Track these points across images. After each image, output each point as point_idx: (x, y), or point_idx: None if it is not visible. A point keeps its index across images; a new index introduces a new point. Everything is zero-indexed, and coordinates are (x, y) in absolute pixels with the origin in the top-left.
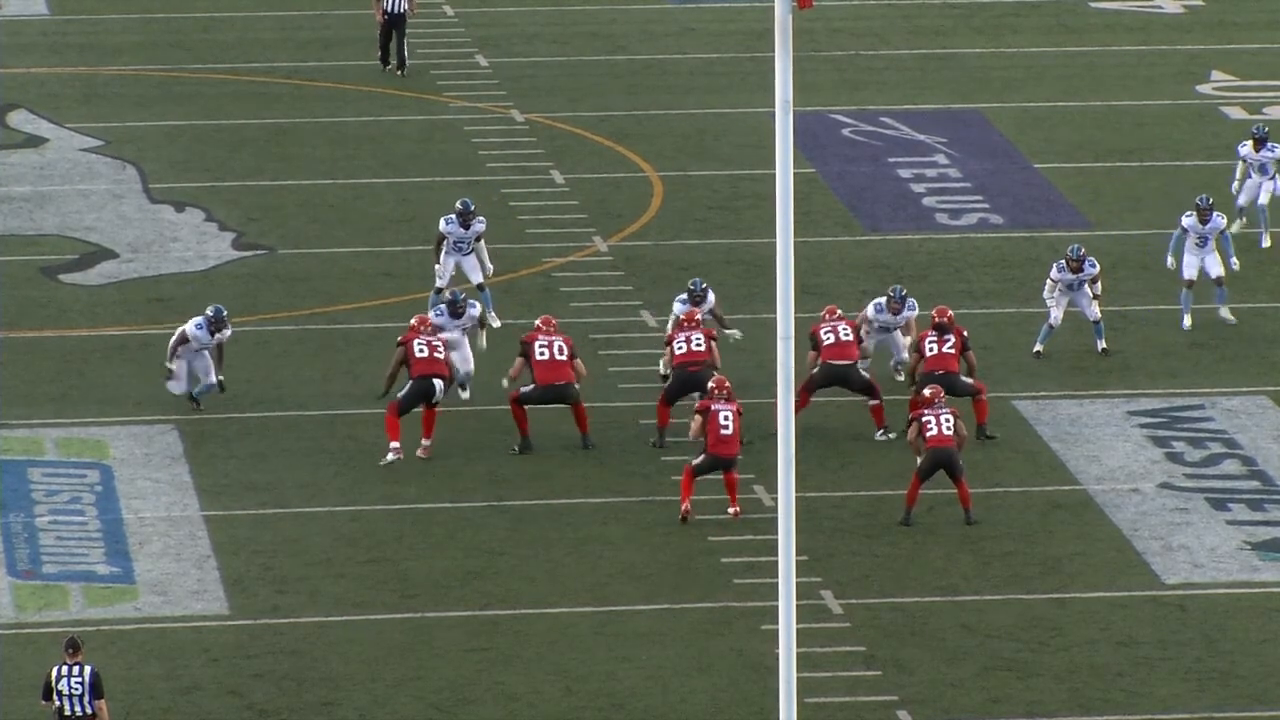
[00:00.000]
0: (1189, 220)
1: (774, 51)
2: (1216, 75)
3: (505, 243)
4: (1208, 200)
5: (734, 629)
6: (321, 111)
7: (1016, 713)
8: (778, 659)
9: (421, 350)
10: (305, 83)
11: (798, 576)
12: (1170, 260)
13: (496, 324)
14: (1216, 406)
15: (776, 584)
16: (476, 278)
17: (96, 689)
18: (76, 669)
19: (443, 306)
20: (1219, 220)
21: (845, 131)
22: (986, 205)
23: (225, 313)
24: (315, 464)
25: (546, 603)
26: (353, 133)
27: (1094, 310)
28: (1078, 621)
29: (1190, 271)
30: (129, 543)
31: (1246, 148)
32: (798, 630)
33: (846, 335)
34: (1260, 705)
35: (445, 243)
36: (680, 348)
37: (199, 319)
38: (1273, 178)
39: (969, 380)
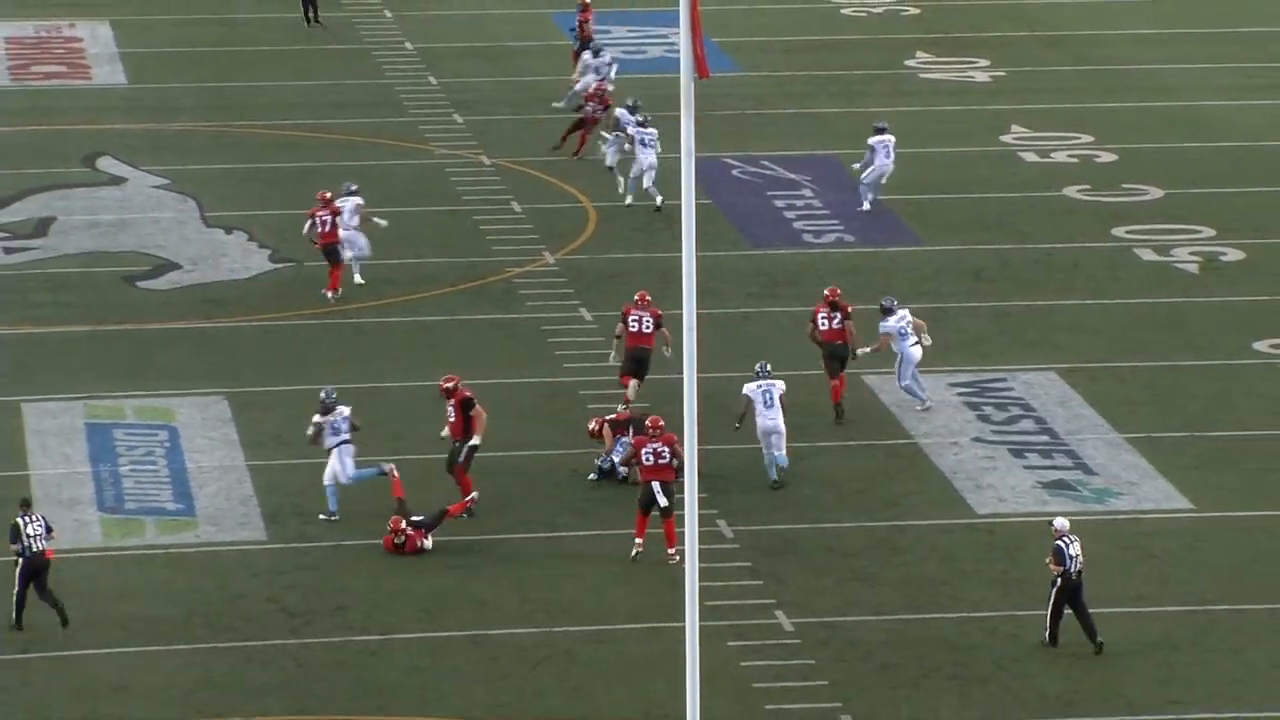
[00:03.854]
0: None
1: (680, 111)
2: (1015, 128)
3: (476, 256)
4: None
5: (651, 550)
6: (336, 157)
7: (866, 612)
8: (684, 572)
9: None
10: (324, 135)
11: (699, 510)
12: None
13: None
14: (1016, 379)
15: (684, 515)
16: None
17: (50, 530)
18: (35, 517)
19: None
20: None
21: (735, 172)
22: (842, 228)
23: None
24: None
25: (507, 530)
26: (360, 173)
27: None
28: (912, 543)
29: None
30: (191, 486)
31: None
32: (699, 550)
33: (649, 326)
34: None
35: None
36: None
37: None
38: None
39: (848, 351)
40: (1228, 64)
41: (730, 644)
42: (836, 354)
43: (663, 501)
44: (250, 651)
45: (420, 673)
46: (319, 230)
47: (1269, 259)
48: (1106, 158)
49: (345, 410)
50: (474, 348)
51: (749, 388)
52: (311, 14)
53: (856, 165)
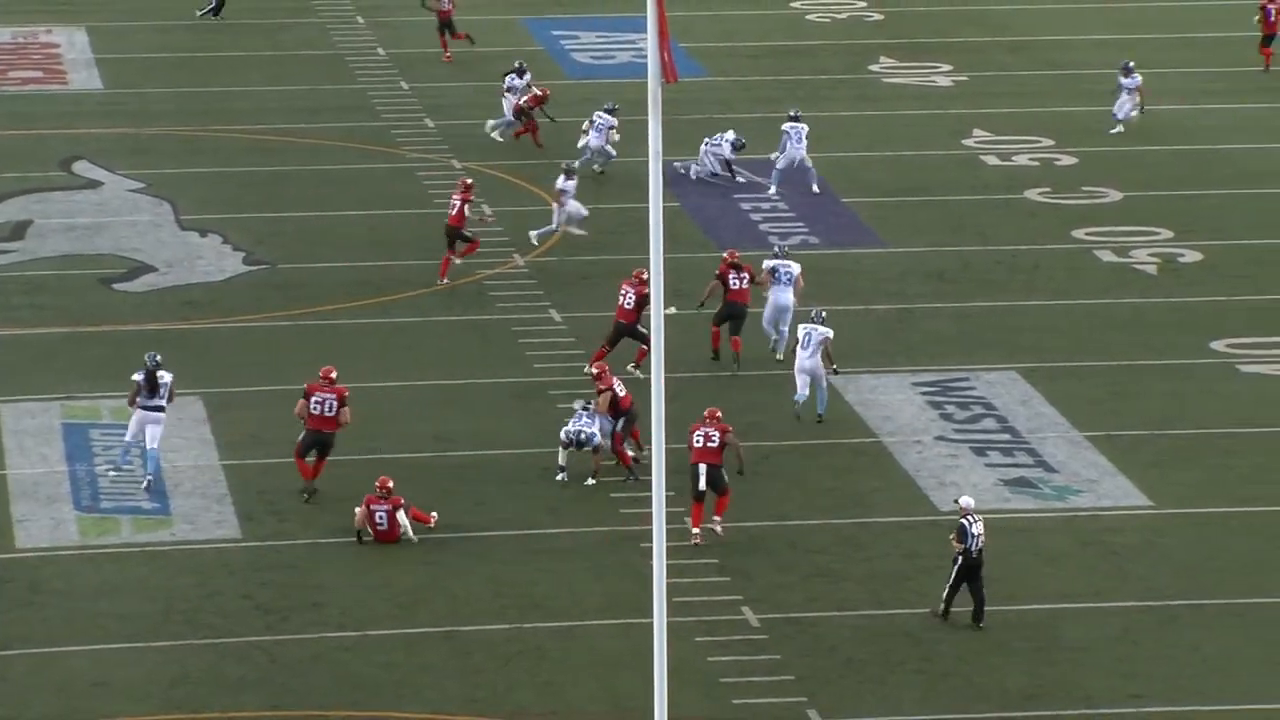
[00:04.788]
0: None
1: (648, 115)
2: (977, 132)
3: None
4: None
5: (622, 548)
6: (310, 161)
7: (832, 608)
8: (653, 569)
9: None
10: (298, 140)
11: (667, 508)
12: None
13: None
14: (978, 379)
15: (652, 513)
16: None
17: None
18: None
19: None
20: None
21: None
22: (807, 230)
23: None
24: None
25: (480, 527)
26: (333, 177)
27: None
28: (876, 540)
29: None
30: (166, 485)
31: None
32: (667, 548)
33: (630, 303)
34: (1010, 601)
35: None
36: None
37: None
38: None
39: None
40: (1186, 69)
41: (698, 639)
42: (738, 313)
43: (701, 485)
44: (226, 648)
45: (395, 668)
46: (449, 212)
47: (1226, 260)
48: (1067, 161)
49: (167, 378)
50: (447, 349)
51: (799, 328)
52: (215, 10)
53: (775, 155)
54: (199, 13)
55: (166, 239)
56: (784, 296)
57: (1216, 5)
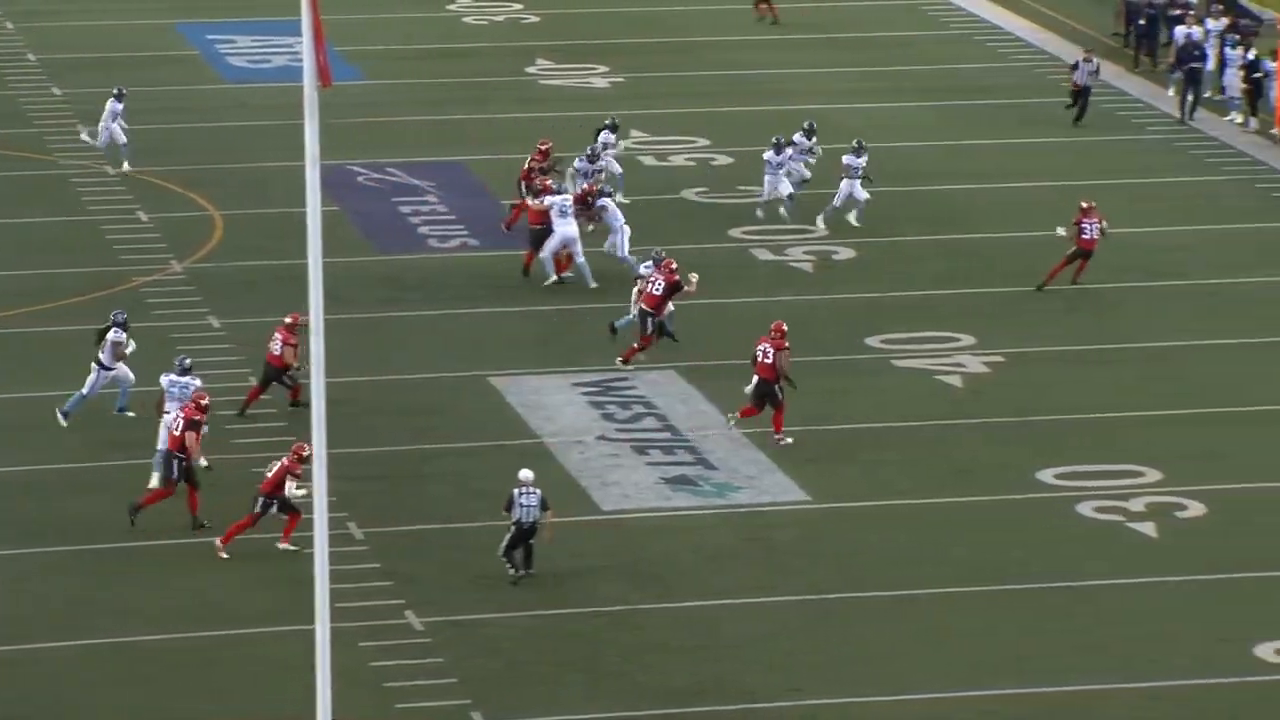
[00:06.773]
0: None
1: (304, 119)
2: (635, 132)
3: (102, 265)
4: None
5: (286, 555)
6: None
7: (497, 610)
8: (315, 575)
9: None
10: None
11: (329, 513)
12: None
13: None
14: (639, 378)
15: (314, 519)
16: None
17: None
18: None
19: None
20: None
21: (360, 179)
22: (467, 232)
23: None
24: None
25: (145, 536)
26: None
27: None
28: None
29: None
30: None
31: (769, 153)
32: (330, 553)
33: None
34: (672, 599)
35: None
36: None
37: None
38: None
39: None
40: (844, 68)
41: (362, 644)
42: (538, 239)
43: (747, 390)
44: None
45: (58, 680)
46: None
47: (879, 258)
48: (722, 160)
49: (110, 336)
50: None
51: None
52: None
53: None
54: None
55: None
56: (569, 229)
57: (878, 6)
